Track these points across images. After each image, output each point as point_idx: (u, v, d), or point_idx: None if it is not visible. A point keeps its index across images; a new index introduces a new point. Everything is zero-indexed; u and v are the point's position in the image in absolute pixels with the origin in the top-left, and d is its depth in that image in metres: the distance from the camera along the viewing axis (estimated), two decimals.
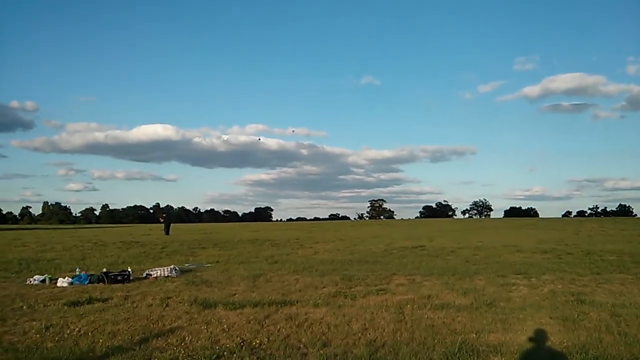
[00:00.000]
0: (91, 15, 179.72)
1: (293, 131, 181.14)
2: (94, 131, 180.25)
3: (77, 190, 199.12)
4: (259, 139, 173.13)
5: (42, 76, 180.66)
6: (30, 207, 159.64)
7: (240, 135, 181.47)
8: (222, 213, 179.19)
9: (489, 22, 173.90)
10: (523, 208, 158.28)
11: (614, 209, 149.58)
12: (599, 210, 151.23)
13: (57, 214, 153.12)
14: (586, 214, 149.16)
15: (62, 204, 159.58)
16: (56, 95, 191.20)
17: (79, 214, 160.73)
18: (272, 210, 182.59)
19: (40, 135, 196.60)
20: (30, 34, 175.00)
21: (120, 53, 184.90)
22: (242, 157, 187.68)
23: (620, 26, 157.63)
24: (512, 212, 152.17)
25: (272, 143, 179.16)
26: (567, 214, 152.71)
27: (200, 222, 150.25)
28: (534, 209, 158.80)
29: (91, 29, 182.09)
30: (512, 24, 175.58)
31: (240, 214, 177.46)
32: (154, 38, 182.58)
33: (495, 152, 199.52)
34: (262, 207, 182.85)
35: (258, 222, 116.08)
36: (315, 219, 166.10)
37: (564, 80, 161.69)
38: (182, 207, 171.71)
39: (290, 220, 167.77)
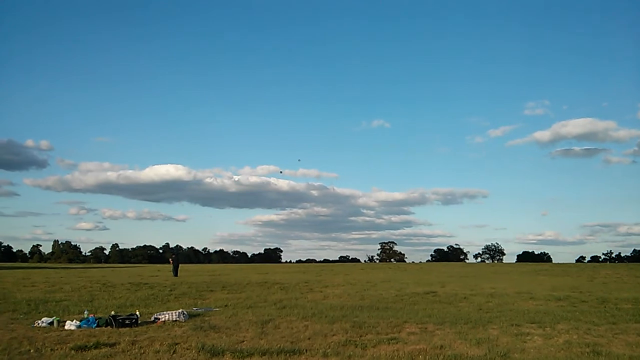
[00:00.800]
0: (105, 57, 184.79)
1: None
2: (106, 171, 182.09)
3: (88, 229, 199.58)
4: (281, 172, 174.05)
5: (58, 116, 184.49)
6: (41, 246, 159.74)
7: (251, 176, 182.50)
8: (231, 254, 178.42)
9: (499, 66, 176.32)
10: (536, 252, 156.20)
11: (629, 254, 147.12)
12: (613, 255, 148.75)
13: (66, 252, 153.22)
14: (600, 260, 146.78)
15: (72, 243, 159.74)
16: (71, 135, 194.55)
17: (89, 253, 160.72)
18: (281, 251, 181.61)
19: (54, 174, 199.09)
20: (47, 75, 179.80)
21: (135, 94, 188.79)
22: (253, 197, 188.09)
23: (631, 71, 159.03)
24: (525, 257, 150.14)
25: (282, 184, 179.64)
26: (581, 259, 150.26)
27: (209, 262, 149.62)
28: (547, 253, 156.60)
29: (106, 70, 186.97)
30: (522, 68, 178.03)
31: (249, 255, 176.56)
32: (167, 79, 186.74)
33: (507, 195, 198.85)
34: (272, 247, 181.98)
35: (267, 264, 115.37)
36: (325, 260, 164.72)
37: (575, 125, 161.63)
38: (192, 248, 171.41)
39: (299, 261, 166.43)
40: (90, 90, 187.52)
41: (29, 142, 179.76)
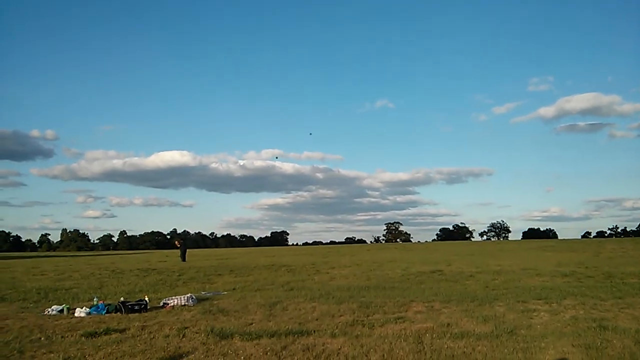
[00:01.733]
0: (110, 45, 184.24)
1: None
2: (112, 158, 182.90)
3: (96, 217, 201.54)
4: (277, 158, 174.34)
5: (62, 105, 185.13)
6: (49, 235, 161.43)
7: (256, 160, 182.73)
8: (239, 238, 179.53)
9: (502, 43, 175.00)
10: (541, 229, 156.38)
11: (634, 228, 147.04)
12: (619, 230, 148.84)
13: (75, 240, 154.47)
14: (606, 235, 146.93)
15: (81, 231, 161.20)
16: (76, 123, 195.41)
17: (97, 241, 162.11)
18: (287, 234, 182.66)
19: (60, 164, 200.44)
20: (51, 66, 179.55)
21: (139, 82, 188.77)
22: (258, 181, 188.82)
23: (635, 44, 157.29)
24: (531, 234, 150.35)
25: (287, 167, 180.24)
26: (587, 234, 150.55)
27: (216, 247, 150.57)
28: (553, 230, 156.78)
29: (110, 59, 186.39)
30: (526, 45, 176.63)
31: (256, 239, 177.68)
32: (171, 66, 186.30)
33: (511, 173, 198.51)
34: (278, 231, 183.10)
35: (274, 247, 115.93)
36: (332, 242, 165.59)
37: (579, 100, 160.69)
38: (199, 233, 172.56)
39: (306, 244, 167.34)
40: (94, 79, 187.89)
41: (35, 132, 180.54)
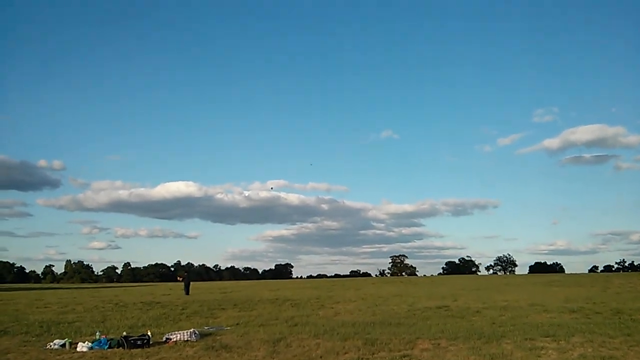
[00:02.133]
0: (117, 77, 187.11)
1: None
2: (118, 189, 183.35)
3: (100, 249, 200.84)
4: (272, 188, 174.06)
5: (70, 135, 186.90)
6: (54, 266, 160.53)
7: (261, 191, 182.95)
8: (242, 270, 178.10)
9: (507, 74, 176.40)
10: (548, 263, 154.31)
11: None
12: (626, 264, 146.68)
13: (79, 272, 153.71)
14: (613, 269, 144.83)
15: (85, 263, 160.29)
16: (83, 153, 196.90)
17: (101, 273, 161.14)
18: (292, 267, 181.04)
19: (66, 194, 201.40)
20: (58, 96, 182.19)
21: (145, 112, 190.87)
22: (263, 212, 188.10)
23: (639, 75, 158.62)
24: (537, 268, 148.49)
25: (292, 198, 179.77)
26: (594, 268, 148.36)
27: (220, 279, 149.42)
28: (560, 263, 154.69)
29: (116, 89, 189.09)
30: (530, 76, 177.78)
31: (260, 271, 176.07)
32: (176, 96, 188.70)
33: (517, 205, 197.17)
34: (282, 263, 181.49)
35: (278, 280, 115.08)
36: (336, 275, 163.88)
37: (584, 132, 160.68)
38: (203, 265, 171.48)
39: (310, 277, 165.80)
40: (101, 109, 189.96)
41: (42, 162, 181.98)
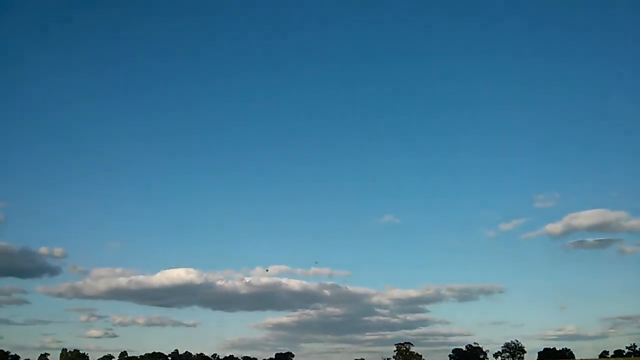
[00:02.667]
0: (116, 164, 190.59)
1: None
2: (118, 276, 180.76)
3: (97, 337, 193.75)
4: (267, 270, 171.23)
5: (71, 223, 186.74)
6: (49, 355, 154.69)
7: (262, 276, 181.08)
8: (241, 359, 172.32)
9: (508, 160, 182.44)
10: (557, 349, 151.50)
11: None
12: (637, 348, 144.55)
13: None
14: (624, 354, 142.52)
15: (81, 351, 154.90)
16: (84, 240, 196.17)
17: None
18: (293, 355, 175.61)
19: (66, 281, 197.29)
20: (61, 183, 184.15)
21: (146, 199, 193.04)
22: (264, 299, 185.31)
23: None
24: (547, 354, 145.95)
25: (294, 284, 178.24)
26: (604, 354, 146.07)
27: None
28: (569, 349, 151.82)
29: (119, 178, 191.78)
30: (531, 162, 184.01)
31: None
32: (177, 183, 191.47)
33: (523, 290, 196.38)
34: (283, 352, 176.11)
35: None
36: None
37: (586, 217, 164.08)
38: (201, 354, 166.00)
39: None
40: (103, 197, 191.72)
41: (43, 250, 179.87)
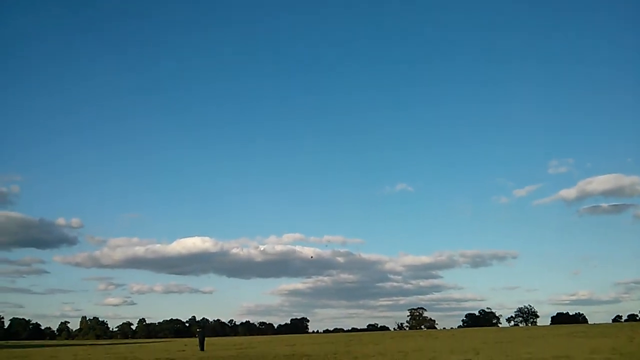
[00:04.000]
0: (132, 136, 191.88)
1: (326, 245, 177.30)
2: (134, 245, 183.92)
3: (116, 305, 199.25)
4: (312, 257, 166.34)
5: (88, 194, 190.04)
6: (69, 322, 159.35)
7: (277, 244, 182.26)
8: (258, 325, 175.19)
9: (522, 127, 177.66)
10: (570, 313, 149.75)
11: None
12: None
13: (94, 328, 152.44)
14: (637, 318, 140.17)
15: (100, 319, 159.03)
16: (101, 212, 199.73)
17: (116, 329, 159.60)
18: (308, 321, 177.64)
19: (83, 251, 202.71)
20: (78, 156, 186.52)
21: (162, 170, 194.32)
22: (279, 266, 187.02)
23: None
24: (560, 319, 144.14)
25: (308, 251, 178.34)
26: (618, 318, 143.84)
27: (235, 335, 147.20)
28: (582, 314, 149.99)
29: (135, 150, 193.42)
30: (545, 128, 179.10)
31: (275, 326, 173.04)
32: (192, 152, 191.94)
33: (537, 256, 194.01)
34: (298, 317, 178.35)
35: (294, 335, 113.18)
36: (353, 329, 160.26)
37: (600, 182, 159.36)
38: (218, 320, 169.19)
39: (327, 331, 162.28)
40: (118, 168, 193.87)
41: (60, 220, 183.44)
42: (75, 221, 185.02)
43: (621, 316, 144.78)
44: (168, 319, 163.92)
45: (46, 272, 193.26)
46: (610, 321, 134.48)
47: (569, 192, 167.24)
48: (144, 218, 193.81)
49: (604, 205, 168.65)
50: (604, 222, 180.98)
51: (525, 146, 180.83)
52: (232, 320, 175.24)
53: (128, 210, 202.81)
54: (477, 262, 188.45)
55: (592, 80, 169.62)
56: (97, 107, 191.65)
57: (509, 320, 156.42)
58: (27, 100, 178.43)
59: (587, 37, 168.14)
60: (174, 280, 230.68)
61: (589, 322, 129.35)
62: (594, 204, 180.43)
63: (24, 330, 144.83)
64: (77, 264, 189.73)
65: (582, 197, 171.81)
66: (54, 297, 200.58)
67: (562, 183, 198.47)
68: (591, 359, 18.48)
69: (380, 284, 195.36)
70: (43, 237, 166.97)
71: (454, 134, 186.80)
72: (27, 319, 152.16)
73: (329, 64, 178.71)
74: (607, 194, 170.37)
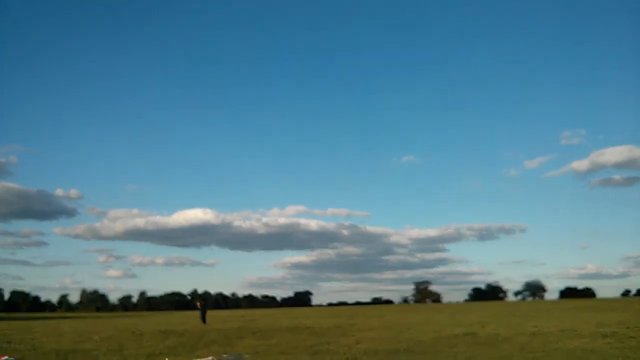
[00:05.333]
0: (133, 108, 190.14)
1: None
2: (135, 217, 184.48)
3: (116, 277, 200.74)
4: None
5: (87, 165, 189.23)
6: (69, 295, 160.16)
7: (279, 217, 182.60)
8: (261, 298, 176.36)
9: (533, 97, 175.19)
10: (579, 288, 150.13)
11: None
12: None
13: (94, 301, 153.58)
14: None
15: (100, 291, 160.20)
16: (100, 183, 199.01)
17: (117, 302, 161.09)
18: (311, 294, 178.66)
19: (83, 223, 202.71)
20: (77, 126, 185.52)
21: (162, 140, 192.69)
22: (282, 239, 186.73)
23: None
24: (568, 293, 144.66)
25: (312, 224, 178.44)
26: (626, 292, 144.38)
27: (238, 308, 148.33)
28: (590, 288, 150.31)
29: (135, 121, 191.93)
30: (557, 98, 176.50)
31: (279, 299, 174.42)
32: (193, 124, 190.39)
33: (545, 229, 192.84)
34: (302, 291, 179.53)
35: (297, 308, 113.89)
36: (357, 302, 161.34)
37: (613, 154, 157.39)
38: (220, 293, 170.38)
39: (330, 304, 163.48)
40: (118, 138, 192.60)
41: (59, 192, 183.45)
42: (74, 192, 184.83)
43: (630, 290, 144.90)
44: (169, 292, 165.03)
45: (45, 244, 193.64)
46: (619, 295, 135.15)
47: (581, 164, 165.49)
48: (144, 189, 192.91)
49: (616, 177, 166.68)
50: (615, 195, 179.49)
51: (537, 117, 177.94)
52: (235, 293, 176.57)
53: (128, 182, 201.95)
54: (484, 235, 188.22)
55: (606, 52, 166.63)
56: (97, 78, 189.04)
57: (516, 294, 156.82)
58: (23, 66, 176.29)
59: (599, 10, 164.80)
60: (175, 252, 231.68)
61: (597, 297, 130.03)
62: (606, 177, 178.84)
63: (23, 303, 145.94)
64: (77, 236, 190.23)
65: (594, 169, 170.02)
66: (54, 269, 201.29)
67: (574, 155, 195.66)
68: (598, 333, 18.08)
69: (385, 257, 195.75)
70: (42, 209, 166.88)
71: (463, 105, 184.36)
72: (26, 291, 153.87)
73: (337, 30, 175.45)
74: (619, 166, 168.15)
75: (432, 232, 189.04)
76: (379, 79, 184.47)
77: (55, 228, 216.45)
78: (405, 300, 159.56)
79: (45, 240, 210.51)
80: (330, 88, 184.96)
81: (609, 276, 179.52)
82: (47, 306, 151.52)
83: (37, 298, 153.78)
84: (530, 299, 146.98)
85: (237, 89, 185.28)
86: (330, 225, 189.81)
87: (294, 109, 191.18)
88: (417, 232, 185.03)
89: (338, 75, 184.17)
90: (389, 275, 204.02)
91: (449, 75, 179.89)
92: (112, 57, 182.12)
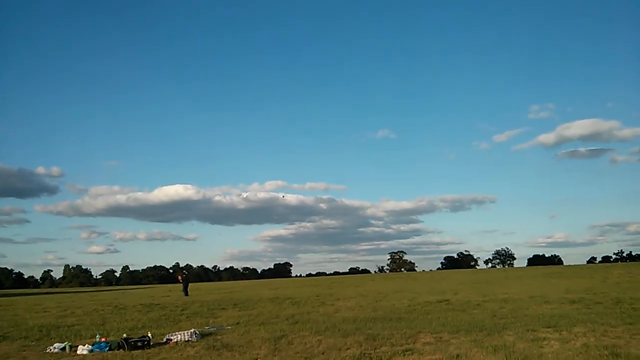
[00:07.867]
0: (113, 83, 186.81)
1: (283, 196, 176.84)
2: (116, 194, 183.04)
3: (99, 253, 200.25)
4: (283, 196, 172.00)
5: (68, 142, 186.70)
6: (52, 271, 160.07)
7: (259, 192, 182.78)
8: (242, 270, 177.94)
9: (502, 72, 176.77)
10: (547, 255, 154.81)
11: None
12: (625, 254, 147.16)
13: (77, 276, 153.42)
14: (611, 260, 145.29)
15: (83, 267, 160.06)
16: (81, 160, 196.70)
17: (100, 277, 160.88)
18: (291, 265, 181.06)
19: (64, 200, 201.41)
20: (57, 103, 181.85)
21: (142, 117, 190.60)
22: (262, 213, 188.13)
23: (634, 70, 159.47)
24: (536, 260, 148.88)
25: (291, 198, 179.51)
26: (592, 259, 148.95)
27: (219, 280, 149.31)
28: (558, 256, 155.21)
29: (114, 97, 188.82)
30: (526, 73, 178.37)
31: (259, 271, 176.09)
32: (172, 100, 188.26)
33: (515, 200, 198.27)
34: (281, 262, 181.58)
35: (277, 279, 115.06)
36: (335, 273, 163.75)
37: (579, 127, 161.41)
38: (202, 266, 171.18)
39: (309, 275, 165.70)
40: (98, 115, 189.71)
41: (40, 169, 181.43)
42: (55, 170, 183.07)
43: (596, 258, 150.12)
44: (152, 265, 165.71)
45: (27, 221, 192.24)
46: (585, 263, 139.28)
47: (548, 137, 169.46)
48: (125, 166, 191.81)
49: (582, 149, 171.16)
50: (581, 167, 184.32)
51: (506, 91, 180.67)
52: (216, 266, 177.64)
53: (108, 158, 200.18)
54: (457, 206, 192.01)
55: (576, 24, 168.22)
56: (78, 53, 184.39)
57: (486, 262, 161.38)
58: (6, 50, 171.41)
59: None
60: (156, 227, 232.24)
61: (564, 264, 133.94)
62: (573, 149, 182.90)
63: (7, 280, 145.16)
64: (59, 213, 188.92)
65: (561, 142, 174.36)
66: (36, 246, 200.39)
67: (541, 128, 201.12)
68: (566, 298, 18.97)
69: (362, 229, 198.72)
70: (23, 187, 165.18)
71: (435, 80, 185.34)
72: (9, 268, 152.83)
73: (314, 7, 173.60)
74: (584, 138, 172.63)
75: (407, 204, 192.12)
76: (355, 58, 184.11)
77: (36, 205, 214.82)
78: (381, 270, 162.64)
79: (27, 218, 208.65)
80: (307, 65, 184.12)
81: (575, 244, 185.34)
82: (30, 282, 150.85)
83: (20, 275, 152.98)
84: (500, 266, 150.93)
85: (219, 68, 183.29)
86: (309, 199, 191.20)
87: (273, 86, 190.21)
88: (392, 204, 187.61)
89: (317, 55, 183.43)
90: (365, 246, 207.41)
91: (422, 53, 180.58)
92: (93, 37, 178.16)
